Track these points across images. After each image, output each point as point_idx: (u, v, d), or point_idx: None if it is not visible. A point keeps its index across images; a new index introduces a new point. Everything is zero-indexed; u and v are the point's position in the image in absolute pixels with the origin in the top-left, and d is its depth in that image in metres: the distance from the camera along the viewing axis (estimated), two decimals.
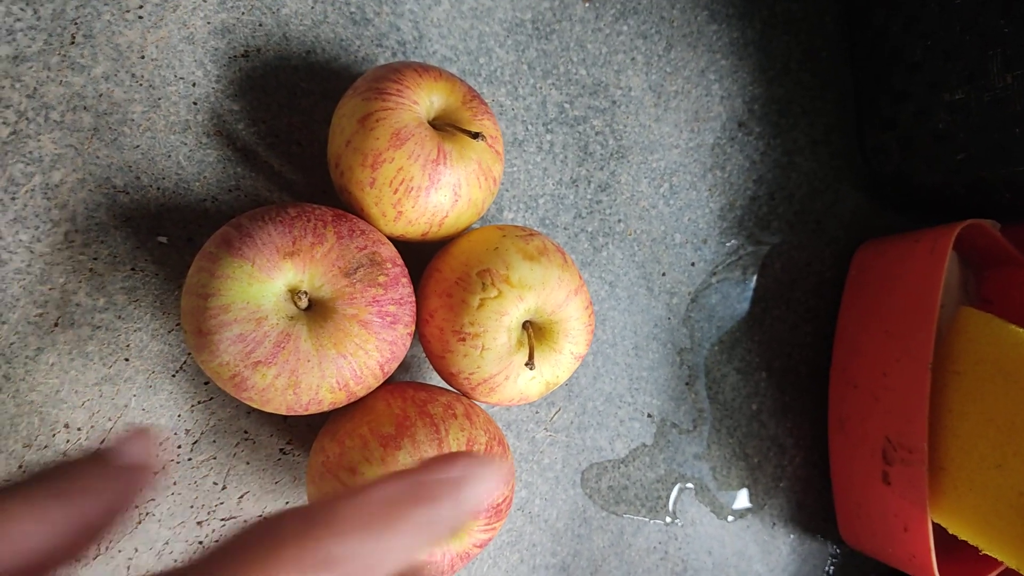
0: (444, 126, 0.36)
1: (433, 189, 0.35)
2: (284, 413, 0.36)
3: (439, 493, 0.18)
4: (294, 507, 0.17)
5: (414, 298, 0.37)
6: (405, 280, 0.36)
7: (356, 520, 0.16)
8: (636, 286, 0.52)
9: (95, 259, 0.38)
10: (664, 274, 0.53)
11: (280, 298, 0.32)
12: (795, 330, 0.57)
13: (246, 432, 0.42)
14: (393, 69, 0.36)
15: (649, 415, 0.53)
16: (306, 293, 0.33)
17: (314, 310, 0.33)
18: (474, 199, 0.38)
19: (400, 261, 0.36)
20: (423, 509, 0.17)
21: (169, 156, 0.40)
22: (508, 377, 0.37)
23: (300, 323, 0.32)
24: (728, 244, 0.55)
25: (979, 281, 0.57)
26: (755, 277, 0.56)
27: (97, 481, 0.18)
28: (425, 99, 0.36)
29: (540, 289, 0.36)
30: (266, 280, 0.32)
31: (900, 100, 0.53)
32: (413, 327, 0.37)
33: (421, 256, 0.45)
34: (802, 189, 0.57)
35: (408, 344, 0.36)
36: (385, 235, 0.38)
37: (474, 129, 0.37)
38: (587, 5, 0.50)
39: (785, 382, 0.57)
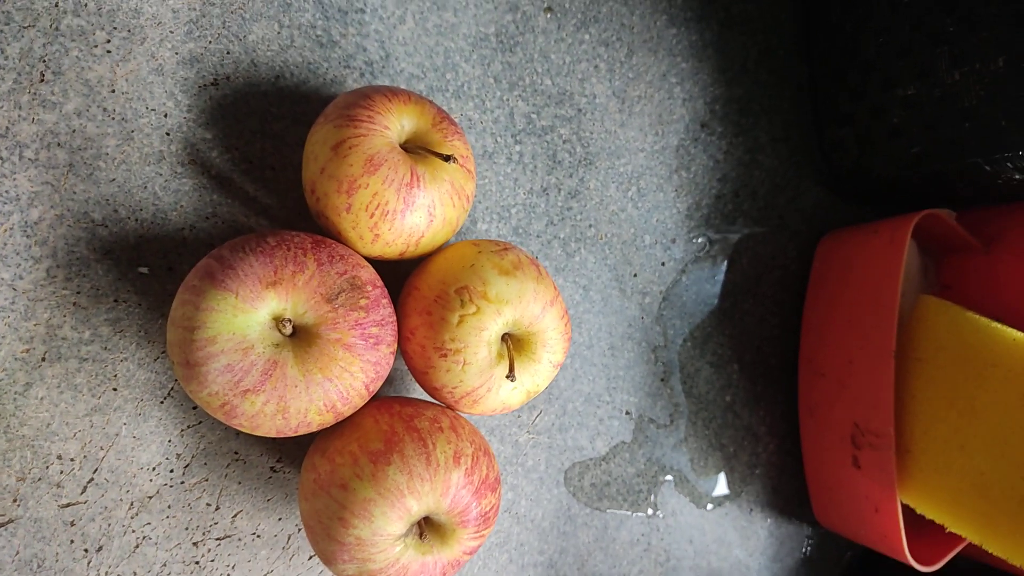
0: (416, 149, 0.37)
1: (408, 211, 0.36)
2: (274, 436, 0.37)
3: None
4: None
5: (395, 317, 0.38)
6: (385, 301, 0.37)
7: None
8: (609, 288, 0.53)
9: (78, 293, 0.39)
10: (636, 275, 0.54)
11: (265, 327, 0.33)
12: (763, 323, 0.59)
13: (236, 453, 0.43)
14: (363, 95, 0.37)
15: (627, 412, 0.54)
16: (290, 321, 0.33)
17: (299, 336, 0.34)
18: (448, 218, 0.39)
19: (380, 282, 0.37)
20: None
21: (145, 187, 0.40)
22: (490, 389, 0.38)
23: (286, 350, 0.33)
24: (696, 242, 0.56)
25: (938, 267, 0.59)
26: (723, 273, 0.58)
27: None
28: (396, 123, 0.37)
29: (517, 303, 0.38)
30: (250, 310, 0.32)
31: (856, 97, 0.55)
32: (395, 345, 0.38)
33: (399, 273, 0.46)
34: (764, 186, 0.58)
35: (391, 362, 0.37)
36: (363, 257, 0.39)
37: (445, 151, 0.38)
38: (549, 16, 0.51)
39: (756, 373, 0.59)
